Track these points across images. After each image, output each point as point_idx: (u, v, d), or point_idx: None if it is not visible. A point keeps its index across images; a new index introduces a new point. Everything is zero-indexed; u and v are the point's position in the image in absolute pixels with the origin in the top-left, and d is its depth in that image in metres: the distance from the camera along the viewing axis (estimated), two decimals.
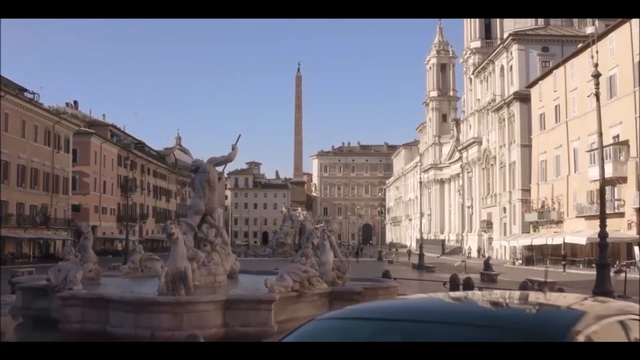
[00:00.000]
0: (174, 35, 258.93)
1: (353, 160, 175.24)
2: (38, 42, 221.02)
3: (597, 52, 23.81)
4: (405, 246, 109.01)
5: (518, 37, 72.66)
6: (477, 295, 4.27)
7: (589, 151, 52.17)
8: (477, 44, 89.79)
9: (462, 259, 56.43)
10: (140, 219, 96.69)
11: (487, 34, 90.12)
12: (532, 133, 67.72)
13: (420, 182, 72.74)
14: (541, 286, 17.15)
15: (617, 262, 47.02)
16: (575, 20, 77.34)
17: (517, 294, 4.38)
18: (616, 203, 50.16)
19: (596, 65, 22.43)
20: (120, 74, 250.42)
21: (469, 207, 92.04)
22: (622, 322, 3.31)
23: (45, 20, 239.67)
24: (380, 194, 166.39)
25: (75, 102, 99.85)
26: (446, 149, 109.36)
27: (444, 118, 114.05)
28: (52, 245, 68.23)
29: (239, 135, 16.39)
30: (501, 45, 76.15)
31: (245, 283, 15.61)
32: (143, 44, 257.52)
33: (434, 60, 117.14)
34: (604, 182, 24.42)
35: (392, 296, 13.16)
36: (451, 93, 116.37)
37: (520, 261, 62.46)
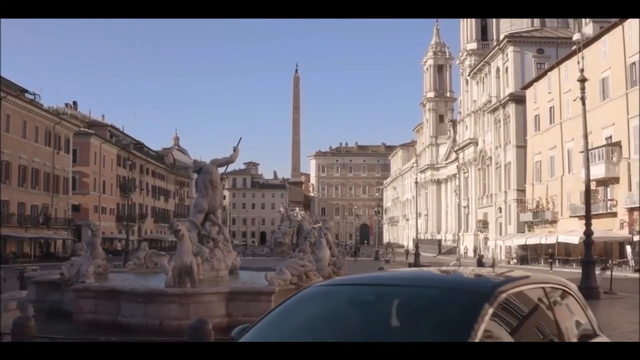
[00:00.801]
0: (171, 36, 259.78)
1: (351, 161, 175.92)
2: (37, 42, 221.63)
3: (582, 57, 24.66)
4: (403, 246, 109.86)
5: (513, 39, 73.48)
6: (434, 269, 5.40)
7: (582, 152, 52.92)
8: (473, 45, 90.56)
9: (457, 258, 57.29)
10: (139, 219, 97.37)
11: (484, 35, 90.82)
12: (527, 134, 68.53)
13: (416, 182, 73.57)
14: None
15: (608, 261, 47.93)
16: (571, 22, 78.18)
17: (464, 268, 5.44)
18: (609, 203, 51.01)
19: (582, 70, 23.28)
20: (119, 75, 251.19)
21: (465, 207, 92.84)
22: (543, 289, 4.11)
23: (44, 21, 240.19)
24: (377, 194, 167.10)
25: (75, 103, 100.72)
26: (443, 150, 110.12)
27: (440, 119, 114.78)
28: (52, 244, 68.95)
29: (240, 138, 17.23)
30: (497, 47, 76.94)
31: (246, 278, 16.41)
32: (141, 45, 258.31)
33: (430, 62, 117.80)
34: (589, 183, 25.21)
35: None
36: (448, 94, 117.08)
37: (515, 260, 63.30)
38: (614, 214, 49.97)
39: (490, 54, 79.48)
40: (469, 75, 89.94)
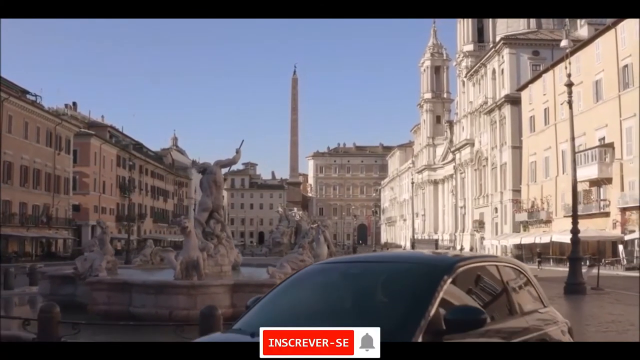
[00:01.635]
0: (169, 37, 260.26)
1: (348, 161, 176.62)
2: (36, 43, 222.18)
3: (569, 63, 25.46)
4: (400, 246, 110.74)
5: (509, 41, 74.27)
6: (407, 251, 6.74)
7: (576, 153, 53.79)
8: (469, 47, 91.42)
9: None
10: (138, 219, 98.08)
11: (480, 37, 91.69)
12: (522, 135, 69.37)
13: (413, 183, 74.42)
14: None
15: (600, 259, 48.90)
16: (568, 24, 79.13)
17: (428, 250, 6.69)
18: (602, 203, 51.90)
19: (569, 75, 24.11)
20: (118, 75, 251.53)
21: (461, 208, 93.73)
22: (496, 266, 5.03)
23: (43, 22, 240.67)
24: (375, 194, 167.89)
25: (74, 104, 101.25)
26: (440, 150, 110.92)
27: (437, 120, 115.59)
28: (53, 244, 69.74)
29: (242, 141, 18.25)
30: (493, 49, 77.76)
31: (247, 273, 17.27)
32: (140, 45, 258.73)
33: (428, 63, 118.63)
34: (576, 183, 26.15)
35: None
36: (445, 95, 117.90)
37: None
38: (607, 214, 50.83)
39: (487, 56, 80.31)
40: (465, 76, 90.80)
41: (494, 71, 78.54)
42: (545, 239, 55.97)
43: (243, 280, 13.30)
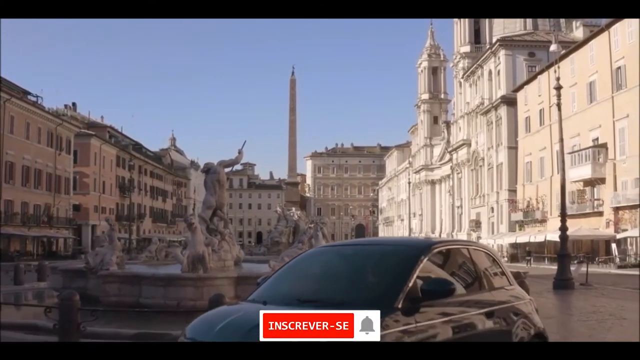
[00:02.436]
0: (167, 38, 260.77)
1: (346, 161, 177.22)
2: (35, 43, 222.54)
3: (558, 67, 26.27)
4: None
5: (505, 42, 75.13)
6: (392, 236, 7.91)
7: (570, 153, 54.71)
8: (466, 48, 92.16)
9: None
10: (137, 219, 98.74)
11: (477, 39, 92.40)
12: (518, 135, 70.25)
13: (409, 183, 75.06)
14: None
15: (596, 257, 49.93)
16: (563, 26, 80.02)
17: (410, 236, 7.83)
18: (595, 203, 52.77)
19: (558, 79, 24.93)
20: (117, 76, 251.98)
21: (458, 207, 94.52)
22: (467, 249, 5.87)
23: (42, 23, 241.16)
24: (373, 194, 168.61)
25: (74, 104, 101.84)
26: (437, 151, 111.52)
27: (435, 120, 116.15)
28: (54, 243, 70.48)
29: (245, 141, 19.07)
30: (489, 51, 78.57)
31: (249, 268, 18.08)
32: (139, 46, 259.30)
33: (425, 64, 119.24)
34: (564, 182, 26.95)
35: None
36: (442, 96, 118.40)
37: (505, 258, 64.96)
38: (601, 213, 51.70)
39: (483, 57, 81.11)
40: (462, 77, 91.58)
41: (490, 72, 79.34)
42: (540, 238, 56.82)
43: (246, 273, 14.14)
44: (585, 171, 52.23)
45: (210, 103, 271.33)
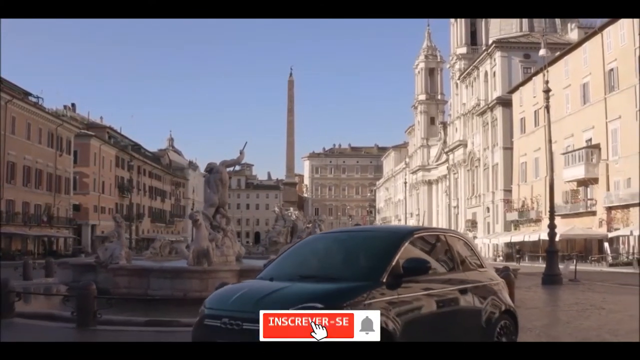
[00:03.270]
0: (165, 39, 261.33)
1: (344, 162, 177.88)
2: (34, 44, 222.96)
3: (547, 71, 27.24)
4: None
5: (501, 44, 76.00)
6: (380, 224, 9.13)
7: (564, 154, 55.65)
8: (463, 50, 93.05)
9: None
10: (136, 219, 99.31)
11: (473, 40, 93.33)
12: (513, 136, 71.10)
13: (405, 183, 75.83)
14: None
15: (589, 255, 50.84)
16: (559, 27, 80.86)
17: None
18: (589, 202, 53.65)
19: (546, 82, 25.80)
20: (116, 76, 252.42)
21: (455, 207, 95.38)
22: (444, 235, 6.73)
23: (40, 24, 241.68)
24: (370, 194, 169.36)
25: (73, 105, 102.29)
26: (434, 151, 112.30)
27: (432, 121, 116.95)
28: (54, 242, 71.19)
29: (246, 142, 20.00)
30: (485, 52, 79.44)
31: (249, 263, 18.90)
32: (137, 47, 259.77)
33: (422, 65, 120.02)
34: (553, 182, 27.80)
35: None
36: (439, 97, 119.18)
37: (501, 257, 65.85)
38: (594, 213, 52.58)
39: (479, 59, 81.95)
40: (458, 78, 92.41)
41: (486, 74, 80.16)
42: (534, 237, 57.64)
43: (248, 266, 15.03)
44: (578, 171, 53.15)
45: (208, 104, 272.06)
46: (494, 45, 76.37)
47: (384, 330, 5.13)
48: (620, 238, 49.49)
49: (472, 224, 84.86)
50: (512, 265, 44.31)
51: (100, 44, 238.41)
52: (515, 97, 70.57)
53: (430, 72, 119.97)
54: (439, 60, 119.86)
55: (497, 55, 75.75)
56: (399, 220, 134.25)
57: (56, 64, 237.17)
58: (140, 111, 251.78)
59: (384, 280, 5.73)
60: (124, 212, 76.04)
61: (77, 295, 10.66)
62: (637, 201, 45.00)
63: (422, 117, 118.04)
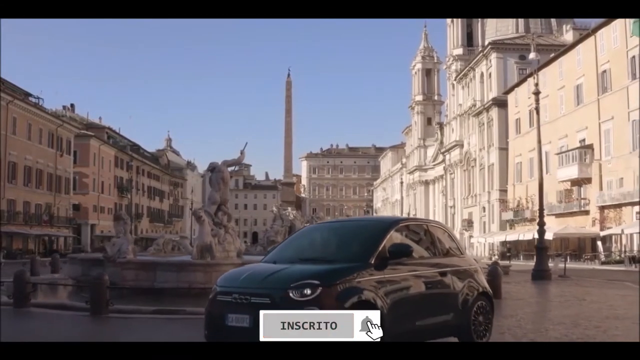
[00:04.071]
0: (164, 39, 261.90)
1: (341, 162, 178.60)
2: (33, 44, 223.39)
3: (537, 75, 27.99)
4: None
5: (497, 45, 76.82)
6: (369, 216, 10.33)
7: (558, 154, 56.50)
8: (459, 51, 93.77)
9: None
10: (135, 218, 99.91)
11: (469, 41, 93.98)
12: (508, 137, 71.90)
13: (402, 183, 76.51)
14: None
15: (583, 254, 51.66)
16: (555, 28, 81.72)
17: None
18: (582, 202, 54.47)
19: (536, 84, 26.67)
20: (116, 76, 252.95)
21: (451, 207, 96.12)
22: (427, 225, 7.53)
23: (40, 24, 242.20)
24: (367, 195, 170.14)
25: (72, 105, 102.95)
26: (431, 152, 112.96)
27: (428, 122, 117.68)
28: (55, 241, 71.92)
29: (246, 143, 20.83)
30: (481, 53, 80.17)
31: (250, 259, 19.70)
32: (136, 47, 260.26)
33: (419, 66, 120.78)
34: (542, 182, 28.79)
35: None
36: (436, 97, 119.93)
37: (496, 256, 66.61)
38: (587, 212, 53.38)
39: (475, 60, 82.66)
40: (455, 79, 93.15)
41: (482, 75, 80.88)
42: (529, 236, 58.38)
43: (249, 261, 15.79)
44: (572, 171, 53.97)
45: (206, 104, 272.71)
46: (489, 46, 77.19)
47: (372, 306, 5.96)
48: (613, 237, 50.31)
49: (469, 224, 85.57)
50: (504, 263, 45.38)
51: (98, 44, 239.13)
52: (510, 98, 71.38)
53: (427, 73, 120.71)
54: (435, 61, 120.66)
55: (493, 56, 76.53)
56: None
57: (55, 64, 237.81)
58: (139, 112, 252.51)
59: (373, 262, 6.60)
60: (129, 211, 76.77)
61: (91, 285, 11.44)
62: (629, 200, 45.84)
63: (419, 118, 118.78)
